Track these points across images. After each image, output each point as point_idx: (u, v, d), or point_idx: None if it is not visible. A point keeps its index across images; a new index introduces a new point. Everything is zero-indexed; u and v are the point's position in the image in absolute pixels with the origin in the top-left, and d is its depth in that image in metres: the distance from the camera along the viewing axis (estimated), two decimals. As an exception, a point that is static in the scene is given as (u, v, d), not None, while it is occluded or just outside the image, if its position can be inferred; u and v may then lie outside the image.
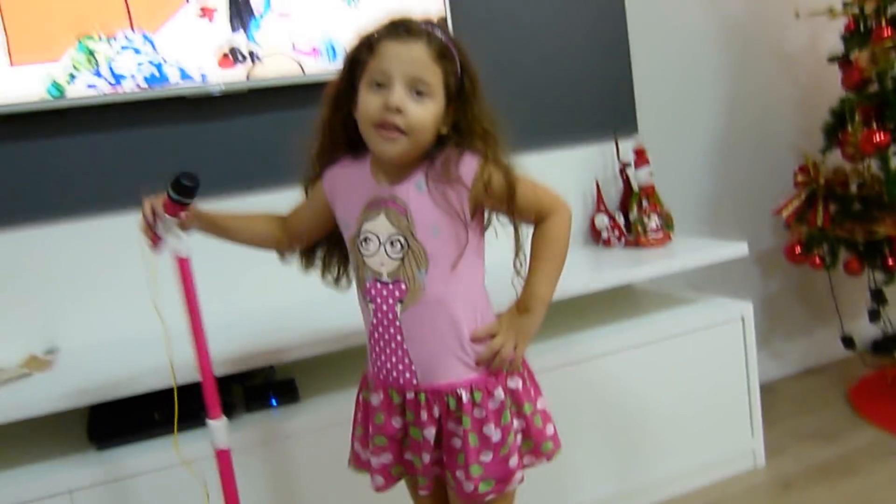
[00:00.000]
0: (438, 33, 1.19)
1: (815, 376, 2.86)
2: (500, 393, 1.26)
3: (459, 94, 1.21)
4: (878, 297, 2.67)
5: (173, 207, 1.24)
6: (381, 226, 1.23)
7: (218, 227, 1.35)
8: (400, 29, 1.17)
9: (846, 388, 2.67)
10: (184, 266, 1.27)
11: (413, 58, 1.16)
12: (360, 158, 1.28)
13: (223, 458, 1.31)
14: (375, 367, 1.29)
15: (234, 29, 1.94)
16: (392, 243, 1.22)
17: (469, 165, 1.21)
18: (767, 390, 2.74)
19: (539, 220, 1.28)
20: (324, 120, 1.28)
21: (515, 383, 1.29)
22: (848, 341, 2.78)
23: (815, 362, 2.96)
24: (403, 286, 1.22)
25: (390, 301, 1.24)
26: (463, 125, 1.21)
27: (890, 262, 2.45)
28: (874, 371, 2.76)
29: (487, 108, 1.24)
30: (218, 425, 1.30)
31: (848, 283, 2.81)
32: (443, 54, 1.18)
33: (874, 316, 2.71)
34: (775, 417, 2.49)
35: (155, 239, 1.27)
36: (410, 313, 1.23)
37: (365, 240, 1.24)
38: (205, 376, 1.29)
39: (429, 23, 1.20)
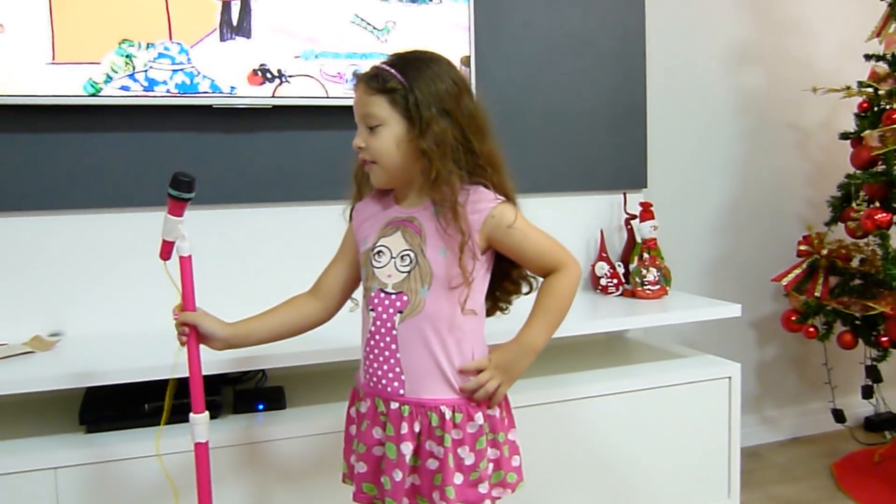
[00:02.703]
0: (384, 67, 1.29)
1: (803, 446, 2.87)
2: (479, 417, 1.31)
3: (416, 108, 1.26)
4: (873, 373, 2.68)
5: (176, 206, 1.32)
6: (395, 241, 1.32)
7: (249, 336, 1.41)
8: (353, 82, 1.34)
9: (831, 461, 2.68)
10: (185, 264, 1.34)
11: (358, 100, 1.31)
12: (387, 192, 1.39)
13: (200, 451, 1.37)
14: (367, 374, 1.35)
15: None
16: (402, 258, 1.31)
17: (486, 203, 1.29)
18: (753, 454, 2.77)
19: (548, 272, 1.35)
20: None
21: (494, 411, 1.34)
22: (838, 414, 2.79)
23: (804, 432, 2.97)
24: (405, 298, 1.30)
25: (391, 311, 1.31)
26: (438, 139, 1.25)
27: (884, 339, 2.47)
28: (862, 448, 2.76)
29: (474, 123, 1.30)
30: (199, 419, 1.36)
31: (843, 357, 2.83)
32: (382, 85, 1.27)
33: (867, 392, 2.72)
34: (757, 482, 2.51)
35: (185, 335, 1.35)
36: (407, 324, 1.30)
37: (378, 252, 1.33)
38: (192, 371, 1.35)
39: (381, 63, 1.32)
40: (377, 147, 1.28)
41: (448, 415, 1.29)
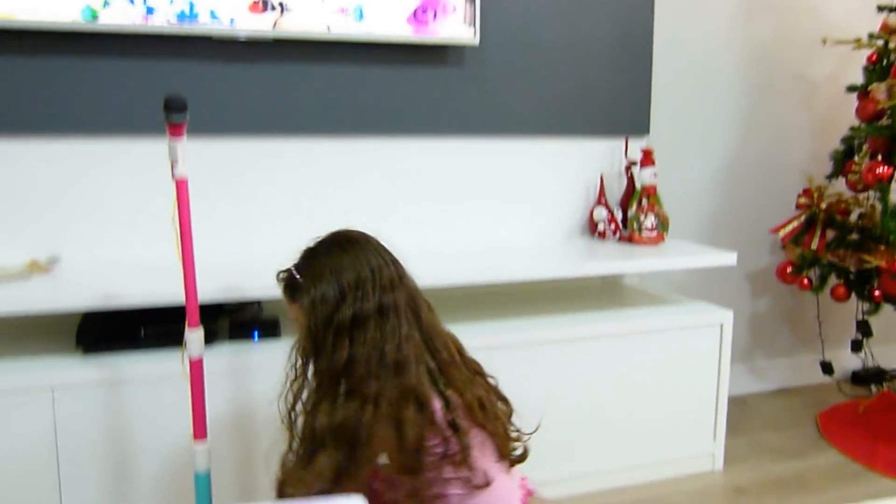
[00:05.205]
0: (292, 278, 1.28)
1: (790, 396, 2.91)
2: None
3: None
4: (864, 328, 2.71)
5: (174, 129, 1.32)
6: None
7: None
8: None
9: (817, 412, 2.72)
10: (181, 187, 1.35)
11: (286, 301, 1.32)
12: None
13: (195, 367, 1.39)
14: None
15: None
16: None
17: None
18: (741, 403, 2.81)
19: None
20: None
21: None
22: (827, 367, 2.83)
23: (792, 383, 3.01)
24: None
25: None
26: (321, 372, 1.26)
27: (877, 293, 2.49)
28: (847, 400, 2.80)
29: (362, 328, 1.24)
30: (194, 335, 1.39)
31: (835, 310, 2.86)
32: (292, 295, 1.28)
33: (857, 346, 2.75)
34: (742, 429, 2.56)
35: None
36: None
37: None
38: (187, 287, 1.38)
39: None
40: None
41: None
